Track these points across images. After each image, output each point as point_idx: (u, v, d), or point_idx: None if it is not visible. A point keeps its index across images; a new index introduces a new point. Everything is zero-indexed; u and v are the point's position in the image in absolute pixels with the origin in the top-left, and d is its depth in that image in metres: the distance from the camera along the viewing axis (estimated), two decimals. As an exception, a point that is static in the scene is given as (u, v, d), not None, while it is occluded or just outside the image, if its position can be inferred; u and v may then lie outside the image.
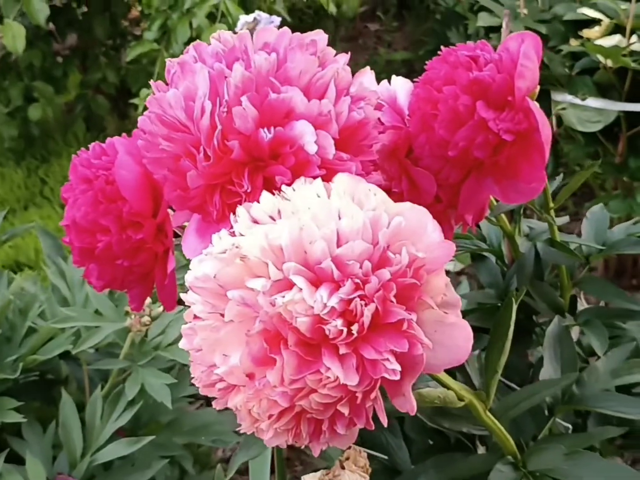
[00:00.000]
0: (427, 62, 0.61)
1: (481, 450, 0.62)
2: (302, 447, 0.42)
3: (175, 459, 0.83)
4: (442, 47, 0.60)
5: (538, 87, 0.56)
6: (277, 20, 1.14)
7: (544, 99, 1.49)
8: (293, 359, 0.37)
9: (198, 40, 0.48)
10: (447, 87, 0.54)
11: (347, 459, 0.46)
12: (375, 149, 0.55)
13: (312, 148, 0.43)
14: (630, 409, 0.56)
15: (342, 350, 0.37)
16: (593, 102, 1.30)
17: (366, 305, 0.37)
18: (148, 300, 0.81)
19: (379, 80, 0.58)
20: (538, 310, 0.70)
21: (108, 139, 0.60)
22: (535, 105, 0.53)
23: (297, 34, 0.48)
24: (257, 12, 1.16)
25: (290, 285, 0.37)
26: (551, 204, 0.63)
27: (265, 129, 0.43)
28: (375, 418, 0.59)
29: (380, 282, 0.38)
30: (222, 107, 0.43)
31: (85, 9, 2.22)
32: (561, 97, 1.38)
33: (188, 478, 0.82)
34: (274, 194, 0.41)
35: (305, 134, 0.43)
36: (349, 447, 0.47)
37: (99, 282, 0.59)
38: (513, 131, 0.53)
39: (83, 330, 0.81)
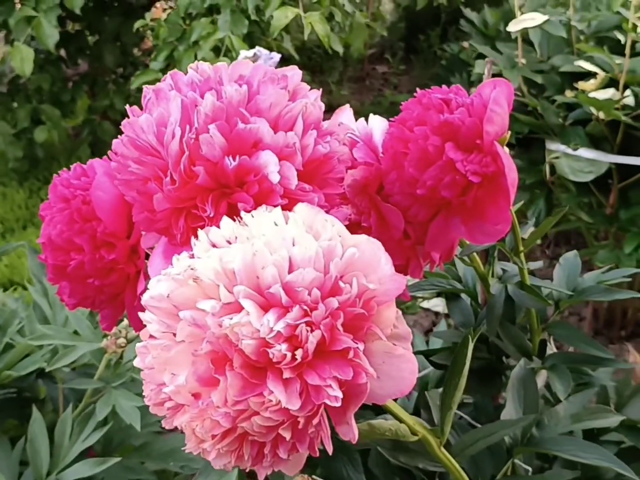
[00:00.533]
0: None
1: (440, 487, 0.62)
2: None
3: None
4: None
5: (509, 133, 0.58)
6: (277, 56, 1.17)
7: (539, 147, 1.52)
8: (237, 380, 0.37)
9: (175, 69, 0.50)
10: (418, 127, 0.55)
11: (295, 485, 0.46)
12: (347, 183, 0.56)
13: (275, 177, 0.44)
14: (587, 454, 0.56)
15: (286, 374, 0.38)
16: (585, 152, 1.32)
17: (312, 331, 0.38)
18: (125, 322, 0.82)
19: None
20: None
21: (89, 161, 0.62)
22: (502, 150, 0.54)
23: (271, 69, 0.50)
24: (257, 47, 1.19)
25: (240, 309, 0.38)
26: (521, 247, 0.65)
27: (231, 157, 0.45)
28: (337, 449, 0.60)
29: (328, 310, 0.39)
30: (191, 133, 0.45)
31: (97, 37, 2.27)
32: (555, 147, 1.40)
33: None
34: (235, 220, 0.42)
35: (269, 164, 0.44)
36: (299, 475, 0.48)
37: (71, 300, 0.60)
38: (480, 173, 0.54)
39: (60, 349, 0.82)
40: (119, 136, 0.49)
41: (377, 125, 0.62)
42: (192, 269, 0.39)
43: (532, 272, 0.73)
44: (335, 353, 0.39)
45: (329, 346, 0.39)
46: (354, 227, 0.57)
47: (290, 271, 0.39)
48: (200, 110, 0.45)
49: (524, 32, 1.43)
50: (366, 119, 0.63)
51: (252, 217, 0.42)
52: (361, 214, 0.57)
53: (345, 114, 0.65)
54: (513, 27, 1.33)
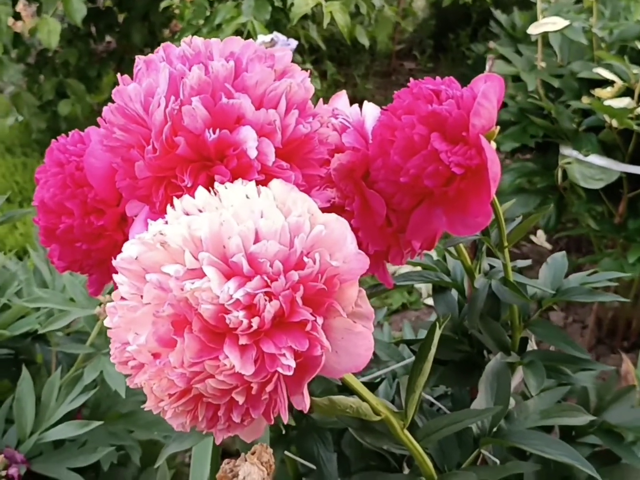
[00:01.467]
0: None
1: (406, 471, 0.63)
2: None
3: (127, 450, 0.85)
4: None
5: (497, 128, 0.59)
6: (294, 43, 1.18)
7: (554, 151, 1.51)
8: (195, 343, 0.39)
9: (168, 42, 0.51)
10: (406, 115, 0.56)
11: (253, 453, 0.48)
12: (333, 166, 0.58)
13: (252, 153, 0.45)
14: (553, 449, 0.57)
15: (243, 341, 0.39)
16: (596, 159, 1.32)
17: (270, 301, 0.39)
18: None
19: None
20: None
21: (87, 128, 0.63)
22: (487, 144, 0.55)
23: (261, 48, 0.51)
24: (275, 33, 1.20)
25: (204, 275, 0.39)
26: (505, 243, 0.65)
27: (211, 130, 0.46)
28: (309, 427, 0.61)
29: (289, 282, 0.40)
30: (174, 104, 0.46)
31: (126, 14, 2.29)
32: (568, 152, 1.39)
33: (133, 468, 0.84)
34: (210, 191, 0.44)
35: (248, 139, 0.46)
36: (259, 444, 0.49)
37: (60, 263, 0.62)
38: (463, 165, 0.55)
39: (55, 314, 0.84)
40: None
41: (370, 112, 0.63)
42: (161, 234, 0.41)
43: (519, 270, 0.74)
44: (293, 324, 0.40)
45: (288, 317, 0.40)
46: (337, 210, 0.58)
47: (255, 243, 0.40)
48: (186, 82, 0.46)
49: (545, 36, 1.42)
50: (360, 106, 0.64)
51: (225, 188, 0.43)
52: (345, 198, 0.58)
53: (341, 99, 0.66)
54: (533, 30, 1.33)
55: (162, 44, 0.51)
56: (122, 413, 0.86)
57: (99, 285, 0.63)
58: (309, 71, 0.52)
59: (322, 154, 0.50)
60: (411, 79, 0.59)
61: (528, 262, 0.75)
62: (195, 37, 0.52)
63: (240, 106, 0.47)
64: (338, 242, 0.43)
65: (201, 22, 1.73)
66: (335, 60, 2.99)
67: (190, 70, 0.48)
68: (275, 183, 0.45)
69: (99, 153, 0.56)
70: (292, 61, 0.52)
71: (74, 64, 2.16)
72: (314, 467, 0.64)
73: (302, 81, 0.50)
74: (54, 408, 0.76)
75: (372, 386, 0.75)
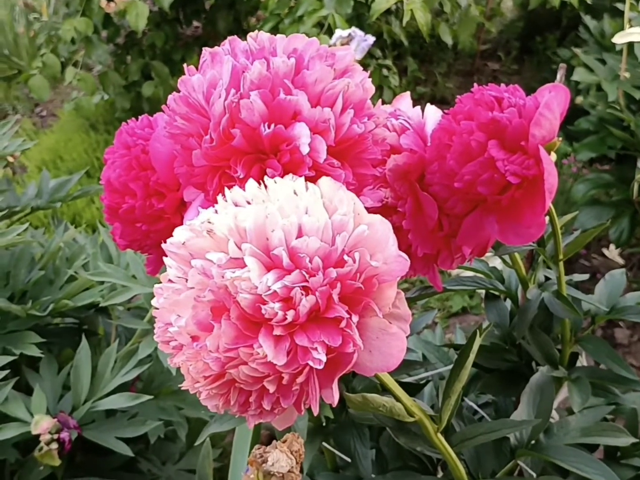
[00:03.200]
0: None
1: (440, 475, 0.63)
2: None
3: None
4: None
5: (559, 140, 0.58)
6: (371, 39, 1.18)
7: (631, 164, 1.47)
8: (231, 330, 0.40)
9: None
10: (465, 121, 0.56)
11: (284, 441, 0.49)
12: (389, 167, 0.58)
13: (305, 149, 0.46)
14: (588, 468, 0.56)
15: (277, 332, 0.40)
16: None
17: (306, 295, 0.40)
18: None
19: None
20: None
21: (157, 114, 0.66)
22: (546, 155, 0.54)
23: (324, 47, 0.52)
24: (353, 28, 1.21)
25: (245, 265, 0.41)
26: (560, 256, 0.64)
27: (267, 125, 0.47)
28: (348, 422, 0.62)
29: (326, 278, 0.41)
30: (234, 97, 0.47)
31: (213, 1, 2.34)
32: (646, 166, 1.36)
33: (180, 443, 0.87)
34: (260, 184, 0.45)
35: (302, 136, 0.47)
36: (291, 433, 0.50)
37: (121, 241, 0.64)
38: (519, 175, 0.54)
39: (118, 289, 0.87)
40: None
41: (431, 115, 0.63)
42: (209, 222, 0.42)
43: (575, 284, 0.73)
44: (328, 320, 0.41)
45: (323, 313, 0.41)
46: (389, 211, 0.59)
47: (297, 238, 0.41)
48: (247, 76, 0.48)
49: (631, 46, 1.38)
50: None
51: (275, 183, 0.44)
52: (398, 199, 0.58)
53: (404, 101, 0.66)
54: (619, 39, 1.29)
55: (228, 38, 0.53)
56: (173, 390, 0.89)
57: (157, 264, 0.65)
58: (368, 72, 0.52)
59: (375, 154, 0.51)
60: (491, 82, 0.59)
61: (585, 276, 0.74)
62: (261, 32, 0.54)
63: (297, 102, 0.48)
64: (380, 243, 0.44)
65: (285, 12, 1.75)
66: (417, 57, 2.97)
67: (252, 64, 0.49)
68: (324, 180, 0.46)
69: (163, 139, 0.58)
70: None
71: (160, 47, 2.22)
72: (350, 460, 0.65)
73: (361, 81, 0.51)
74: (108, 379, 0.79)
75: (417, 387, 0.75)
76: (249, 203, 0.44)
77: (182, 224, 0.61)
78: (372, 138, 0.51)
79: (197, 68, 0.52)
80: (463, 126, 0.56)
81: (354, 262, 0.41)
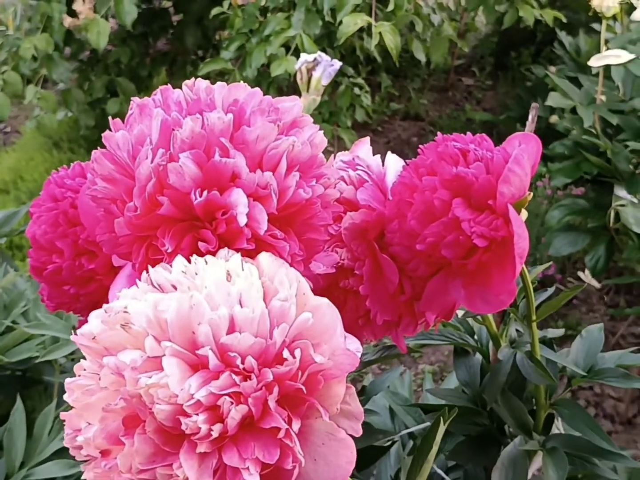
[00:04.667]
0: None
1: None
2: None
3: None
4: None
5: (530, 194, 0.53)
6: (338, 64, 1.13)
7: (608, 191, 1.43)
8: (146, 446, 0.34)
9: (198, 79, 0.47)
10: (427, 177, 0.51)
11: None
12: (344, 225, 0.52)
13: (242, 219, 0.40)
14: None
15: (201, 448, 0.34)
16: (652, 205, 1.24)
17: (236, 405, 0.34)
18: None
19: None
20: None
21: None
22: (515, 215, 0.49)
23: (268, 97, 0.46)
24: (318, 52, 1.15)
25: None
26: (534, 316, 0.59)
27: (198, 192, 0.41)
28: None
29: (261, 382, 0.35)
30: (161, 159, 0.41)
31: (181, 16, 2.27)
32: (622, 194, 1.31)
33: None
34: (189, 260, 0.39)
35: (239, 204, 0.41)
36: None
37: (50, 303, 0.58)
38: (487, 237, 0.49)
39: (60, 341, 0.81)
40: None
41: (392, 165, 0.58)
42: (125, 311, 0.36)
43: (549, 341, 0.67)
44: (263, 430, 0.35)
45: (258, 421, 0.35)
46: (345, 273, 0.53)
47: (230, 332, 0.36)
48: (177, 135, 0.42)
49: (608, 68, 1.34)
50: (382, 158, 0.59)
51: (206, 262, 0.38)
52: (355, 260, 0.53)
53: (364, 147, 0.61)
54: (595, 62, 1.25)
55: (160, 87, 0.47)
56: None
57: (90, 328, 0.59)
58: (318, 127, 0.47)
59: (325, 220, 0.45)
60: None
61: (560, 332, 0.69)
62: (199, 80, 0.48)
63: (234, 165, 0.42)
64: (327, 332, 0.38)
65: (253, 30, 1.69)
66: (391, 73, 2.93)
67: (185, 119, 0.43)
68: (264, 257, 0.40)
69: (94, 192, 0.52)
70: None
71: (126, 63, 2.15)
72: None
73: (310, 137, 0.45)
74: (45, 442, 0.72)
75: (382, 450, 0.69)
76: (174, 287, 0.38)
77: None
78: (322, 201, 0.45)
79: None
80: (425, 182, 0.50)
81: (294, 358, 0.36)
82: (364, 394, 0.70)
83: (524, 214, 0.54)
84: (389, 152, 0.59)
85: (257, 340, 0.35)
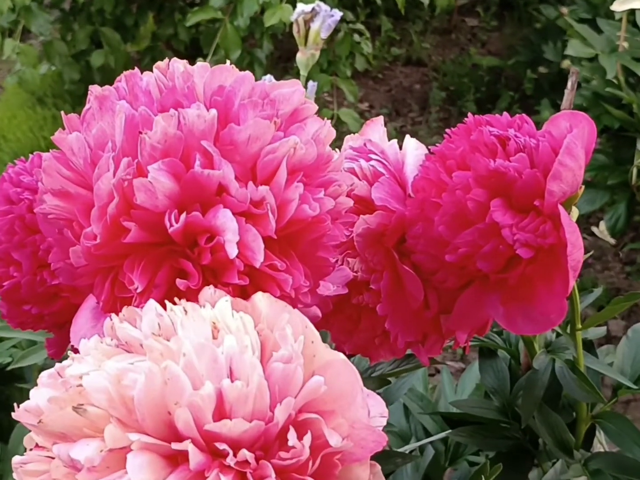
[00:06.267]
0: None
1: None
2: None
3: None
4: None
5: (581, 189, 0.44)
6: (338, 14, 1.02)
7: (629, 145, 1.33)
8: None
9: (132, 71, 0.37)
10: (459, 172, 0.41)
11: None
12: (357, 231, 0.43)
13: (232, 251, 0.32)
14: None
15: None
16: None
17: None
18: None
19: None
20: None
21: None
22: (567, 217, 0.40)
23: (262, 84, 0.36)
24: (317, 2, 1.04)
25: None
26: (579, 325, 0.50)
27: (174, 214, 0.32)
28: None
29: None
30: (125, 173, 0.32)
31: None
32: (646, 149, 1.22)
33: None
34: (164, 304, 0.30)
35: (227, 231, 0.32)
36: None
37: (10, 322, 0.49)
38: (533, 245, 0.40)
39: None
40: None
41: (412, 151, 0.48)
42: (79, 385, 0.28)
43: (589, 344, 0.59)
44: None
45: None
46: (359, 288, 0.44)
47: (217, 414, 0.27)
48: (146, 140, 0.32)
49: (632, 13, 1.23)
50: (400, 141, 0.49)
51: (185, 312, 0.29)
52: (371, 272, 0.44)
53: (376, 127, 0.51)
54: (618, 6, 1.14)
55: (125, 73, 0.37)
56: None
57: (60, 347, 0.51)
58: (326, 121, 0.37)
59: (335, 239, 0.36)
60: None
61: (602, 331, 0.60)
62: (174, 61, 0.38)
63: (221, 177, 0.33)
64: (344, 399, 0.29)
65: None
66: (392, 15, 2.78)
67: (156, 116, 0.34)
68: (261, 299, 0.31)
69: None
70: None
71: (110, 12, 2.02)
72: None
73: (315, 133, 0.36)
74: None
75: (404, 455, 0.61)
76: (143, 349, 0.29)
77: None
78: (332, 215, 0.36)
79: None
80: (456, 180, 0.41)
81: (303, 446, 0.27)
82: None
83: (575, 212, 0.45)
84: (407, 136, 0.49)
85: (253, 425, 0.27)
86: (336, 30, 1.93)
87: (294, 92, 0.37)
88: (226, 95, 0.35)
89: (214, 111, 0.33)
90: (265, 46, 1.92)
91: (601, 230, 1.74)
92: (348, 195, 0.45)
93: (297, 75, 1.96)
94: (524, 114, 0.45)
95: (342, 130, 2.01)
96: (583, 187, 0.44)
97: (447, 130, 0.45)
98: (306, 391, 0.28)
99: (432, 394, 0.80)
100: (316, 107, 0.38)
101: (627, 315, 1.58)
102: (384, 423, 0.31)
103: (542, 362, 0.55)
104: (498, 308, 0.43)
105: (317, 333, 0.31)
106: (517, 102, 2.31)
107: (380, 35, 2.73)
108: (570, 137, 0.41)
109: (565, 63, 1.96)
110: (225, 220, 0.32)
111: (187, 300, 0.31)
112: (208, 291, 0.31)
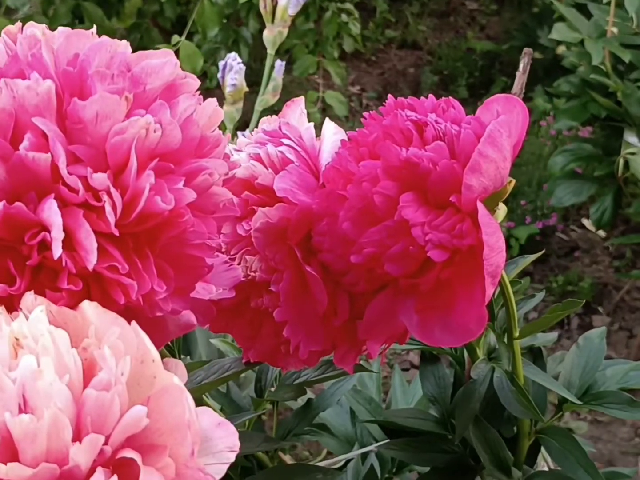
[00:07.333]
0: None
1: None
2: None
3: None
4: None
5: (511, 183, 0.38)
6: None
7: (617, 135, 1.28)
8: None
9: None
10: (367, 162, 0.36)
11: None
12: (256, 225, 0.38)
13: (56, 250, 0.26)
14: None
15: None
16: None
17: None
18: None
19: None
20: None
21: None
22: (486, 217, 0.35)
23: (125, 53, 0.31)
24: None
25: None
26: (516, 333, 0.45)
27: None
28: None
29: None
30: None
31: None
32: (633, 140, 1.16)
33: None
34: None
35: (53, 226, 0.27)
36: None
37: None
38: (448, 247, 0.35)
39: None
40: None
41: (330, 137, 0.43)
42: None
43: (538, 351, 0.54)
44: None
45: None
46: (258, 289, 0.39)
47: (8, 449, 0.22)
48: (-36, 115, 0.27)
49: (621, -4, 1.17)
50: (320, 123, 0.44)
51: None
52: (272, 272, 0.39)
53: (297, 109, 0.46)
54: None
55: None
56: None
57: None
58: (200, 98, 0.32)
59: (201, 236, 0.31)
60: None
61: (553, 336, 0.55)
62: (30, 25, 0.33)
63: (49, 162, 0.27)
64: (176, 433, 0.24)
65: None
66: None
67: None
68: (87, 309, 0.26)
69: None
70: None
71: (93, -15, 1.96)
72: None
73: (184, 113, 0.31)
74: None
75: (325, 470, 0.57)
76: None
77: None
78: (203, 207, 0.31)
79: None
80: (363, 170, 0.36)
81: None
82: (310, 410, 0.57)
83: (502, 211, 0.40)
84: (326, 119, 0.44)
85: (38, 470, 0.22)
86: (323, 10, 1.87)
87: (164, 64, 0.32)
88: (80, 65, 0.30)
89: (48, 82, 0.28)
90: (251, 25, 1.86)
91: (590, 222, 1.69)
92: (251, 185, 0.40)
93: (284, 56, 1.91)
94: (450, 97, 0.39)
95: (330, 114, 1.95)
96: (513, 181, 0.39)
97: (364, 113, 0.40)
98: (124, 425, 0.23)
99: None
100: (198, 83, 0.33)
101: (613, 311, 1.53)
102: (232, 459, 0.26)
103: (481, 371, 0.50)
104: (412, 316, 0.38)
105: (154, 352, 0.26)
106: (511, 87, 2.24)
107: (375, 16, 2.66)
108: (495, 124, 0.36)
109: (561, 49, 1.90)
110: (50, 214, 0.27)
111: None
112: (29, 298, 0.26)
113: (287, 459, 0.62)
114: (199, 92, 0.33)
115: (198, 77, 0.34)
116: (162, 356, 0.46)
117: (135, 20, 2.22)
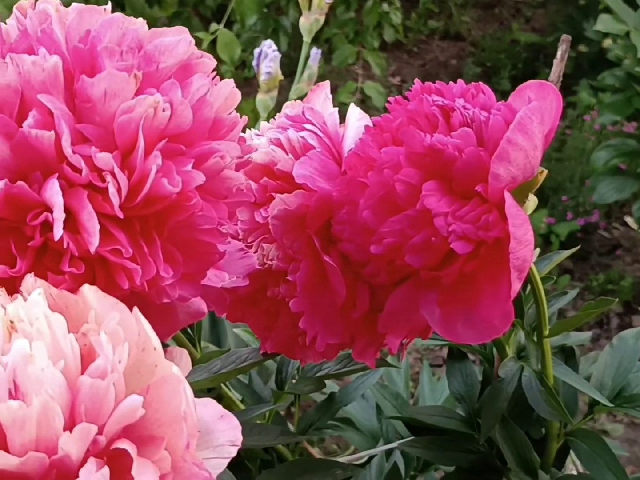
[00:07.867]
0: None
1: None
2: None
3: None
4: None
5: (543, 174, 0.37)
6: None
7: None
8: None
9: None
10: (389, 148, 0.35)
11: None
12: (273, 212, 0.37)
13: (57, 231, 0.26)
14: None
15: None
16: None
17: None
18: None
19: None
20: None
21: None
22: (514, 208, 0.33)
23: (137, 29, 0.30)
24: (322, -36, 0.97)
25: None
26: (546, 331, 0.43)
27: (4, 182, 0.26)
28: None
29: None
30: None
31: None
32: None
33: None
34: None
35: (54, 206, 0.26)
36: None
37: None
38: (472, 239, 0.34)
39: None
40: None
41: (354, 123, 0.41)
42: None
43: (570, 352, 0.52)
44: None
45: None
46: (275, 278, 0.38)
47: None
48: (-30, 91, 0.27)
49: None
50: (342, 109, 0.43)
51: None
52: (290, 261, 0.38)
53: (321, 94, 0.44)
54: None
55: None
56: None
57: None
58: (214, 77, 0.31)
59: (211, 221, 0.30)
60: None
61: (587, 335, 0.53)
62: (42, 0, 0.32)
63: (53, 140, 0.26)
64: (173, 424, 0.23)
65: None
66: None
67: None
68: (88, 293, 0.25)
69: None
70: None
71: (134, -26, 1.97)
72: None
73: (197, 92, 0.30)
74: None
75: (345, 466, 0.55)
76: None
77: None
78: (214, 191, 0.30)
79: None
80: (385, 156, 0.35)
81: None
82: (333, 404, 0.56)
83: (532, 202, 0.38)
84: (351, 104, 0.42)
85: (26, 459, 0.21)
86: (364, -1, 1.85)
87: (178, 42, 0.30)
88: (91, 41, 0.29)
89: (55, 58, 0.27)
90: (291, 14, 1.85)
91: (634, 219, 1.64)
92: (270, 171, 0.39)
93: (324, 45, 1.88)
94: (480, 82, 0.38)
95: (368, 105, 1.93)
96: (545, 172, 0.37)
97: (389, 98, 0.38)
98: (118, 414, 0.22)
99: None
100: (214, 63, 0.32)
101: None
102: (234, 453, 0.25)
103: (509, 370, 0.48)
104: (434, 310, 0.36)
105: (154, 339, 0.25)
106: (556, 81, 2.20)
107: (418, 7, 2.63)
108: (526, 111, 0.34)
109: (607, 42, 1.85)
110: (52, 194, 0.26)
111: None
112: (29, 280, 0.26)
113: (315, 452, 0.61)
114: (215, 72, 0.32)
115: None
116: (180, 344, 0.46)
117: (176, 9, 2.23)
